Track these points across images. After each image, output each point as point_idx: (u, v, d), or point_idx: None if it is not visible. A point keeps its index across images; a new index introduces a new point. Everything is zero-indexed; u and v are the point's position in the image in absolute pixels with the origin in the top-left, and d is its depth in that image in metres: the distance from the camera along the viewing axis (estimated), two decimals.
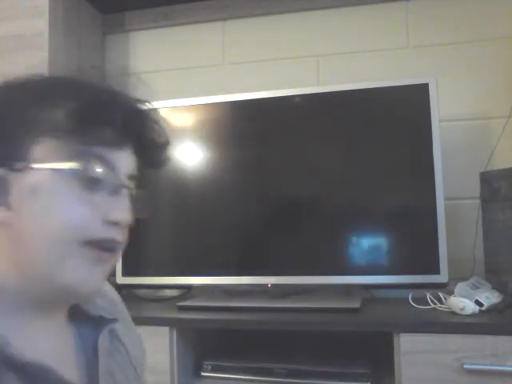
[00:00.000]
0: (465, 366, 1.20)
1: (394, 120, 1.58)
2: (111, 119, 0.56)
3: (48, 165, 0.55)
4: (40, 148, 0.55)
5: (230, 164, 1.67)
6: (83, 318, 0.64)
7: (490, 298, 1.35)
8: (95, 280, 0.58)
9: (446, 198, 1.51)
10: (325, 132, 1.63)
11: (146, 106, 0.63)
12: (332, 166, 1.60)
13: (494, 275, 1.49)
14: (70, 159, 0.55)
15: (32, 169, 0.54)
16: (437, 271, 1.45)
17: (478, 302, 1.32)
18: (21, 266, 0.55)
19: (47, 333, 0.59)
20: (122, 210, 0.58)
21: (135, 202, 0.61)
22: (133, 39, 2.12)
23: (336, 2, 1.92)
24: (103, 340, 0.64)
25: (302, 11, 1.96)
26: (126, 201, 0.59)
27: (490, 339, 1.21)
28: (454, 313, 1.34)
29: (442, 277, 1.45)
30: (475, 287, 1.39)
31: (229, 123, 1.71)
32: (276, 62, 1.97)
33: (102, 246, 0.57)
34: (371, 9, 1.91)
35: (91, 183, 0.56)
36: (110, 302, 0.71)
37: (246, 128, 1.68)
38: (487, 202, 1.54)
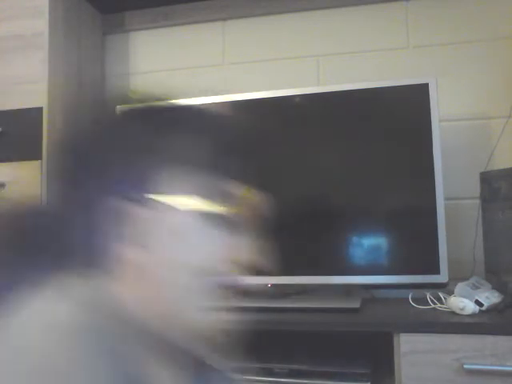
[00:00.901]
0: (465, 366, 1.20)
1: (393, 120, 1.58)
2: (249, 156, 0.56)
3: (184, 202, 0.52)
4: (174, 182, 0.53)
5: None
6: (208, 371, 0.62)
7: (490, 298, 1.35)
8: (222, 320, 0.56)
9: (446, 198, 1.51)
10: (325, 132, 1.63)
11: None
12: (332, 165, 1.60)
13: (494, 275, 1.49)
14: (205, 196, 0.53)
15: (168, 206, 0.52)
16: (437, 271, 1.45)
17: (478, 302, 1.32)
18: (149, 303, 0.52)
19: (166, 379, 0.55)
20: (254, 251, 0.57)
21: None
22: (133, 39, 2.12)
23: (336, 1, 1.92)
24: None
25: (302, 11, 1.96)
26: (242, 235, 0.56)
27: (490, 339, 1.21)
28: (454, 313, 1.34)
29: (442, 277, 1.45)
30: (475, 287, 1.39)
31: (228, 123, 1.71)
32: (276, 62, 1.97)
33: (230, 287, 0.55)
34: (371, 9, 1.91)
35: (225, 221, 0.54)
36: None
37: (245, 128, 1.68)
38: (487, 202, 1.54)
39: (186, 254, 0.52)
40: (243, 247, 0.55)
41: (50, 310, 0.45)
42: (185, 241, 0.52)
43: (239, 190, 0.56)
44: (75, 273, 0.50)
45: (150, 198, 0.52)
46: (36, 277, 0.49)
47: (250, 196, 0.59)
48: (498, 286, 1.43)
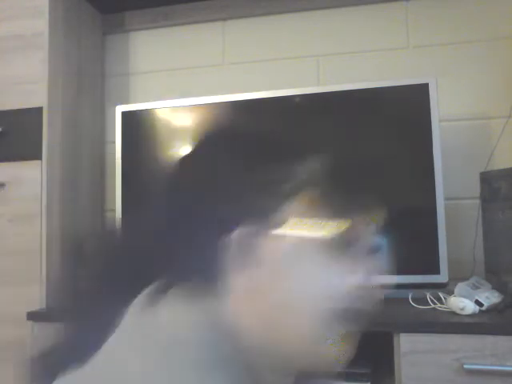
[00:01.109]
0: (465, 366, 1.20)
1: (393, 120, 1.58)
2: None
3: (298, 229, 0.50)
4: (292, 210, 0.51)
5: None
6: None
7: (490, 297, 1.35)
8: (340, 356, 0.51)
9: (446, 198, 1.52)
10: (325, 132, 1.63)
11: None
12: (332, 165, 1.60)
13: (494, 275, 1.49)
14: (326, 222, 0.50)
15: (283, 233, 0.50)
16: (437, 271, 1.45)
17: (477, 302, 1.32)
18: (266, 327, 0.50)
19: None
20: (365, 275, 0.52)
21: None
22: (133, 39, 2.12)
23: (336, 1, 1.92)
24: None
25: (301, 11, 1.96)
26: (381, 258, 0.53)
27: (490, 339, 1.21)
28: (454, 313, 1.34)
29: (442, 277, 1.45)
30: (475, 287, 1.39)
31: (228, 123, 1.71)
32: (276, 62, 1.97)
33: (349, 318, 0.50)
34: (371, 9, 1.91)
35: (344, 246, 0.51)
36: None
37: (245, 128, 1.68)
38: (487, 202, 1.54)
39: (307, 285, 0.50)
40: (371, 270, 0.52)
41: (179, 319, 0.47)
42: (302, 269, 0.50)
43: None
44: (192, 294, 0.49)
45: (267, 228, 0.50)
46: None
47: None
48: (498, 286, 1.43)
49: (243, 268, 0.49)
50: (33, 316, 1.55)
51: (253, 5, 1.99)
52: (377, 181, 1.57)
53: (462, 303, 1.32)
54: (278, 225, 0.50)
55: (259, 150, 0.57)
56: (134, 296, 0.49)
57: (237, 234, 0.50)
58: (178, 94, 1.88)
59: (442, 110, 1.58)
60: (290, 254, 0.50)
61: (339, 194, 0.53)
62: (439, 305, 1.42)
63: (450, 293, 1.41)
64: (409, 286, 1.51)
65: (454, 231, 1.61)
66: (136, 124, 1.78)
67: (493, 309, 1.33)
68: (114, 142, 1.78)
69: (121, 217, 1.72)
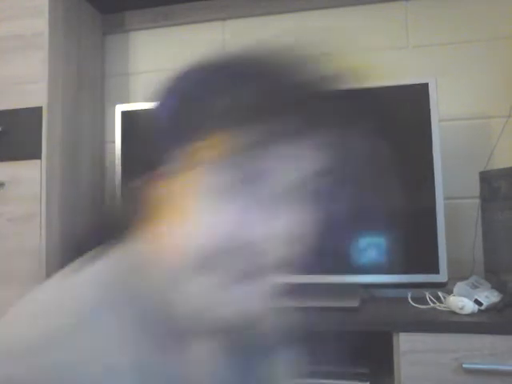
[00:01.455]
0: (464, 366, 1.20)
1: (393, 120, 1.58)
2: (289, 106, 0.46)
3: (208, 162, 0.46)
4: (206, 146, 0.46)
5: None
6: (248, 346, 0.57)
7: (489, 297, 1.35)
8: (247, 302, 0.48)
9: (446, 198, 1.52)
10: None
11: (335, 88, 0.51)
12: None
13: (493, 275, 1.49)
14: (240, 155, 0.45)
15: (191, 166, 0.47)
16: (436, 270, 1.45)
17: (477, 302, 1.32)
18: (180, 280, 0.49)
19: (197, 361, 0.52)
20: (290, 218, 0.47)
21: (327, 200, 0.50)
22: (133, 39, 2.12)
23: (335, 1, 1.92)
24: (258, 369, 0.58)
25: (301, 11, 1.96)
26: (299, 204, 0.47)
27: (489, 339, 1.21)
28: (453, 312, 1.34)
29: (442, 276, 1.45)
30: (474, 287, 1.39)
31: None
32: None
33: (266, 265, 0.48)
34: (371, 9, 1.91)
35: (260, 183, 0.46)
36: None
37: None
38: (487, 202, 1.54)
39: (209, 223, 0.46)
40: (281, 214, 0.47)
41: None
42: (217, 206, 0.47)
43: (291, 151, 0.46)
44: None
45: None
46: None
47: None
48: (498, 286, 1.43)
49: (148, 214, 0.49)
50: None
51: (252, 5, 1.99)
52: (376, 180, 1.56)
53: (462, 302, 1.32)
54: (180, 169, 0.47)
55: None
56: None
57: (138, 182, 0.50)
58: None
59: (442, 109, 1.58)
60: (192, 196, 0.47)
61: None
62: (438, 304, 1.42)
63: (450, 292, 1.41)
64: (408, 286, 1.51)
65: (454, 231, 1.61)
66: (136, 124, 1.78)
67: (492, 308, 1.33)
68: (114, 142, 1.79)
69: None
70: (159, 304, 0.48)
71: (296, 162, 0.46)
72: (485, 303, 1.32)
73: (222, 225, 0.45)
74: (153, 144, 0.50)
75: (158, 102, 0.51)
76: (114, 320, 0.46)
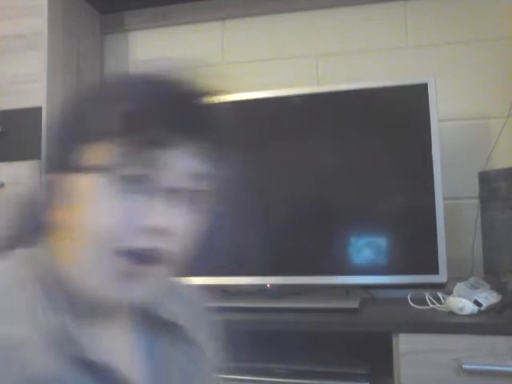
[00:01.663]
0: (463, 366, 1.21)
1: (392, 120, 1.58)
2: (162, 118, 0.53)
3: (94, 167, 0.53)
4: (92, 151, 0.54)
5: (228, 164, 1.66)
6: (151, 322, 0.63)
7: (488, 298, 1.35)
8: (132, 293, 0.55)
9: (445, 198, 1.52)
10: (324, 132, 1.63)
11: (207, 101, 0.60)
12: (331, 165, 1.60)
13: (492, 275, 1.49)
14: (114, 161, 0.52)
15: (82, 172, 0.54)
16: (436, 271, 1.45)
17: (476, 302, 1.33)
18: (72, 267, 0.56)
19: (112, 335, 0.59)
20: (162, 216, 0.52)
21: (198, 202, 0.57)
22: (132, 39, 2.12)
23: (335, 1, 1.92)
24: (161, 345, 0.63)
25: (301, 11, 1.96)
26: (172, 205, 0.53)
27: (488, 339, 1.21)
28: (452, 313, 1.34)
29: (441, 277, 1.45)
30: (474, 287, 1.39)
31: (227, 123, 1.71)
32: (275, 62, 1.97)
33: (137, 258, 0.52)
34: (370, 8, 1.91)
35: (134, 185, 0.52)
36: (184, 304, 0.69)
37: (245, 128, 1.68)
38: (486, 202, 1.54)
39: (93, 217, 0.53)
40: (159, 212, 0.53)
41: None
42: (93, 203, 0.53)
43: (165, 156, 0.53)
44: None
45: (71, 166, 0.55)
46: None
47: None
48: (497, 286, 1.43)
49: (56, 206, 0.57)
50: None
51: (252, 4, 1.98)
52: (376, 180, 1.57)
53: (461, 303, 1.32)
54: (84, 163, 0.54)
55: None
56: None
57: (46, 177, 0.58)
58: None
59: (441, 109, 1.58)
60: (88, 189, 0.54)
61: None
62: (438, 305, 1.42)
63: (449, 293, 1.41)
64: (408, 286, 1.52)
65: (453, 231, 1.61)
66: None
67: (491, 309, 1.33)
68: None
69: None
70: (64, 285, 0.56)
71: (172, 168, 0.54)
72: (484, 304, 1.33)
73: (108, 221, 0.52)
74: (58, 144, 0.59)
75: (64, 111, 0.60)
76: (25, 296, 0.53)
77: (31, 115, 1.70)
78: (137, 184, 0.52)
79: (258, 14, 2.00)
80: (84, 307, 0.56)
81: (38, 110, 1.70)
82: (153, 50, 2.09)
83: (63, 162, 0.56)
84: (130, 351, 0.61)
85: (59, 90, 1.79)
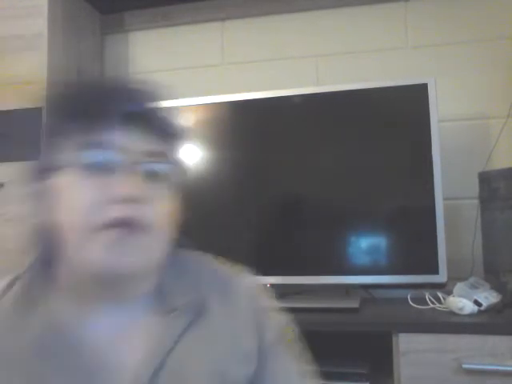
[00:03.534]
0: (463, 366, 1.21)
1: (392, 120, 1.58)
2: (108, 110, 0.60)
3: (64, 164, 0.61)
4: (62, 152, 0.62)
5: (228, 164, 1.67)
6: (164, 307, 0.66)
7: (488, 297, 1.35)
8: (123, 260, 0.59)
9: (445, 198, 1.52)
10: (324, 132, 1.63)
11: (145, 92, 0.66)
12: (331, 165, 1.61)
13: (492, 275, 1.49)
14: (76, 154, 0.60)
15: (57, 172, 0.62)
16: (436, 271, 1.46)
17: (476, 302, 1.33)
18: (66, 257, 0.63)
19: (112, 318, 0.63)
20: (127, 186, 0.59)
21: (167, 174, 0.64)
22: (132, 39, 2.12)
23: (335, 2, 1.92)
24: (170, 327, 0.65)
25: (301, 11, 1.96)
26: (134, 177, 0.60)
27: (488, 339, 1.21)
28: (452, 313, 1.34)
29: (441, 277, 1.45)
30: (474, 287, 1.39)
31: (228, 123, 1.71)
32: (275, 62, 1.97)
33: (114, 227, 0.58)
34: (370, 9, 1.91)
35: (97, 169, 0.60)
36: (192, 285, 0.71)
37: (245, 128, 1.68)
38: (486, 202, 1.54)
39: (71, 205, 0.60)
40: (126, 184, 0.59)
41: None
42: (68, 194, 0.61)
43: (118, 139, 0.61)
44: None
45: (51, 171, 0.63)
46: None
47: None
48: (497, 286, 1.43)
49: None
50: None
51: (252, 5, 1.99)
52: (376, 181, 1.57)
53: (461, 303, 1.32)
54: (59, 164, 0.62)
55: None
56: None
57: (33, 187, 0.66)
58: (177, 93, 1.88)
59: (441, 109, 1.58)
60: (62, 184, 0.61)
61: None
62: (438, 305, 1.42)
63: (449, 293, 1.41)
64: (408, 286, 1.52)
65: (453, 231, 1.62)
66: None
67: (491, 309, 1.33)
68: None
69: None
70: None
71: (123, 149, 0.61)
72: (484, 304, 1.33)
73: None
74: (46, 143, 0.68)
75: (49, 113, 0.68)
76: None
77: (31, 115, 1.70)
78: (97, 168, 0.60)
79: (258, 15, 2.00)
80: (91, 286, 0.62)
81: (38, 110, 1.70)
82: (153, 50, 2.09)
83: (46, 165, 0.64)
84: (137, 336, 0.64)
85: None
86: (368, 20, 1.91)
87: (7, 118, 1.72)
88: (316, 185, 1.61)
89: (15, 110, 1.72)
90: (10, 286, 0.68)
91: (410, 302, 1.46)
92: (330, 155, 1.61)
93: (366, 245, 1.56)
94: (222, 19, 2.04)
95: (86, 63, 1.98)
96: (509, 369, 1.19)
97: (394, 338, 1.28)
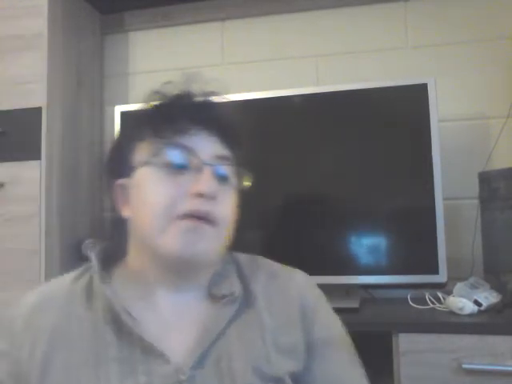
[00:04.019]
0: (463, 366, 1.21)
1: (392, 120, 1.58)
2: (179, 116, 0.71)
3: (142, 164, 0.71)
4: (138, 154, 0.73)
5: None
6: (216, 296, 0.73)
7: (488, 297, 1.35)
8: (195, 247, 0.68)
9: (445, 198, 1.52)
10: (324, 132, 1.63)
11: (211, 99, 0.77)
12: (331, 166, 1.60)
13: (492, 275, 1.49)
14: (154, 155, 0.71)
15: (135, 171, 0.72)
16: (436, 271, 1.45)
17: (476, 302, 1.33)
18: (140, 246, 0.72)
19: (169, 306, 0.71)
20: (203, 184, 0.68)
21: (231, 177, 0.74)
22: (132, 39, 2.12)
23: (335, 2, 1.92)
24: (219, 316, 0.71)
25: (301, 11, 1.96)
26: (209, 176, 0.69)
27: (488, 339, 1.21)
28: (452, 313, 1.34)
29: (441, 277, 1.45)
30: (474, 287, 1.39)
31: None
32: (275, 62, 1.97)
33: (189, 217, 0.67)
34: (370, 9, 1.91)
35: (174, 168, 0.70)
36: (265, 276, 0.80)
37: (245, 128, 1.68)
38: (486, 202, 1.54)
39: (149, 199, 0.70)
40: (200, 182, 0.68)
41: None
42: (146, 190, 0.71)
43: (191, 142, 0.71)
44: None
45: (129, 171, 0.73)
46: None
47: None
48: (497, 286, 1.43)
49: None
50: None
51: (252, 5, 1.99)
52: (376, 181, 1.57)
53: (461, 303, 1.32)
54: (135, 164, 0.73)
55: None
56: None
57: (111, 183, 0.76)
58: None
59: (441, 109, 1.58)
60: (140, 181, 0.72)
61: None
62: (438, 305, 1.42)
63: (449, 293, 1.41)
64: (408, 286, 1.52)
65: (453, 231, 1.62)
66: None
67: (491, 309, 1.33)
68: None
69: None
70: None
71: (198, 151, 0.71)
72: (484, 304, 1.33)
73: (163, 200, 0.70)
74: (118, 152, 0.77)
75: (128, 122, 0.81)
76: None
77: (31, 115, 1.71)
78: (175, 167, 0.70)
79: (258, 15, 2.00)
80: (159, 270, 0.71)
81: (38, 110, 1.70)
82: (153, 50, 2.09)
83: (123, 165, 0.73)
84: (188, 320, 0.70)
85: (59, 91, 1.79)
86: (368, 20, 1.91)
87: (7, 118, 1.72)
88: (316, 185, 1.61)
89: (15, 110, 1.72)
90: (82, 273, 0.74)
91: (410, 302, 1.46)
92: (329, 155, 1.61)
93: (366, 245, 1.55)
94: (222, 19, 2.04)
95: (85, 63, 1.98)
96: (509, 369, 1.19)
97: (393, 338, 1.28)
